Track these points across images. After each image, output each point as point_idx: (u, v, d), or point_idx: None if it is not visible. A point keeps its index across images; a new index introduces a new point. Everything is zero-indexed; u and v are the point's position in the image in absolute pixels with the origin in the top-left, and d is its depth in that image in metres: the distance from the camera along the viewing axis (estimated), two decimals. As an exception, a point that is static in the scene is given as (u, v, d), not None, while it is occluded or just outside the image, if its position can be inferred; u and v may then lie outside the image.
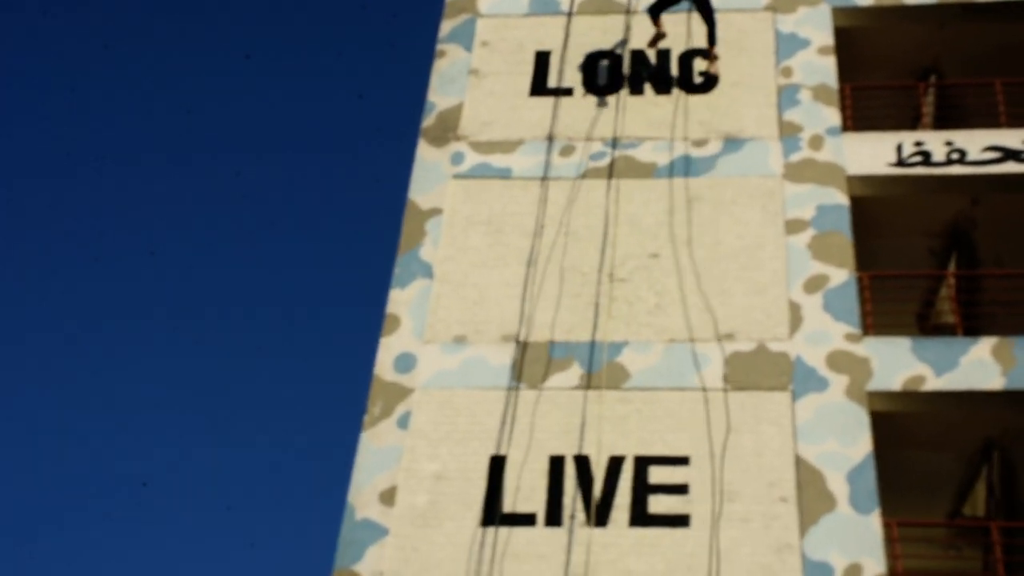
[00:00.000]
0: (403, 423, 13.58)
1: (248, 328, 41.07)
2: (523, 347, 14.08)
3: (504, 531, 12.70)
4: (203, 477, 38.06)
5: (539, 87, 16.65)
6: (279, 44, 44.82)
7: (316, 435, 38.90)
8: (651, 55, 16.74)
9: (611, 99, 16.35)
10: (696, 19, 16.78)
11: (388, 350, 14.17)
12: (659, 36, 16.19)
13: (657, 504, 12.77)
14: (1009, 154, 15.32)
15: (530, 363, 13.93)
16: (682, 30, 16.91)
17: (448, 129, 16.23)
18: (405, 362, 14.06)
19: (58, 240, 40.51)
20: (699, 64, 16.60)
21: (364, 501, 13.02)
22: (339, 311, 41.87)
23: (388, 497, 13.03)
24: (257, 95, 44.15)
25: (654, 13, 16.10)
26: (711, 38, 16.12)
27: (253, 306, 41.31)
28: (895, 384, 13.50)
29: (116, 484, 37.03)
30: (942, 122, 16.86)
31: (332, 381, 39.63)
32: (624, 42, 16.99)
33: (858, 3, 17.12)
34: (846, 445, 13.04)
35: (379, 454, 13.36)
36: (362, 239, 41.52)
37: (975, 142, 15.46)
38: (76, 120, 42.32)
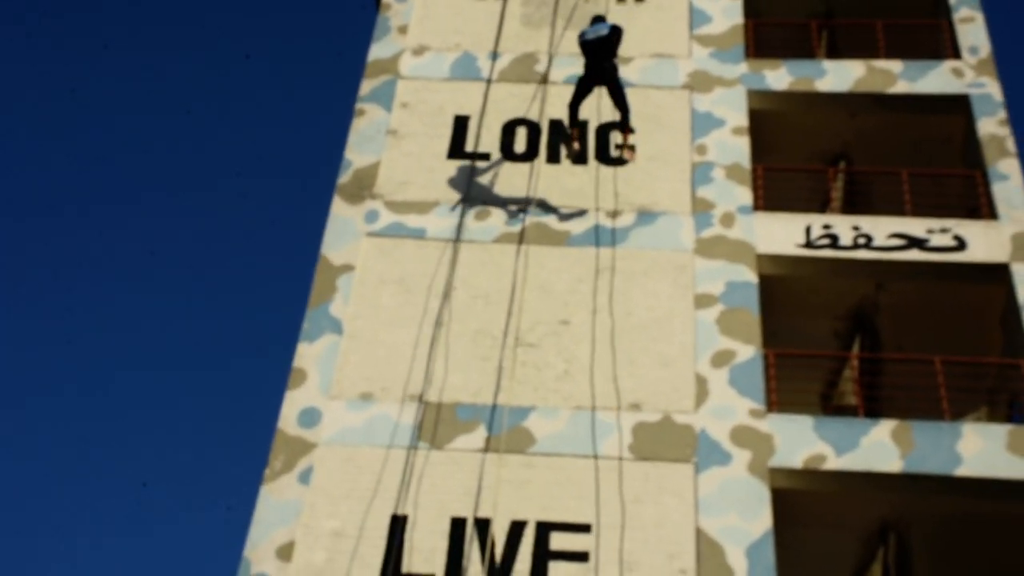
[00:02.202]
0: (304, 478, 13.35)
1: (156, 377, 40.40)
2: (429, 407, 13.97)
3: (402, 592, 12.50)
4: (104, 523, 37.13)
5: (457, 150, 16.72)
6: (203, 89, 44.65)
7: (216, 487, 38.23)
8: (566, 124, 16.86)
9: (527, 166, 16.45)
10: None
11: (293, 404, 13.98)
12: (573, 148, 16.25)
13: (557, 571, 12.67)
14: (913, 242, 15.66)
15: (435, 423, 13.82)
16: (599, 103, 17.08)
17: (364, 187, 16.18)
18: (309, 417, 13.87)
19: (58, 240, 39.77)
20: (616, 137, 16.79)
21: (260, 556, 12.75)
22: (247, 363, 41.38)
23: (285, 553, 12.77)
24: (172, 140, 43.84)
25: (573, 110, 15.80)
26: (623, 124, 15.78)
27: (161, 353, 40.68)
28: (796, 462, 13.60)
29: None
30: (850, 207, 17.26)
31: (235, 434, 39.07)
32: (542, 111, 17.14)
33: (772, 87, 17.48)
34: (747, 520, 13.08)
35: (278, 509, 13.11)
36: (274, 292, 41.22)
37: (881, 228, 15.79)
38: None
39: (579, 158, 16.55)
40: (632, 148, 15.98)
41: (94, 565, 36.89)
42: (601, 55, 15.41)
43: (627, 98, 15.60)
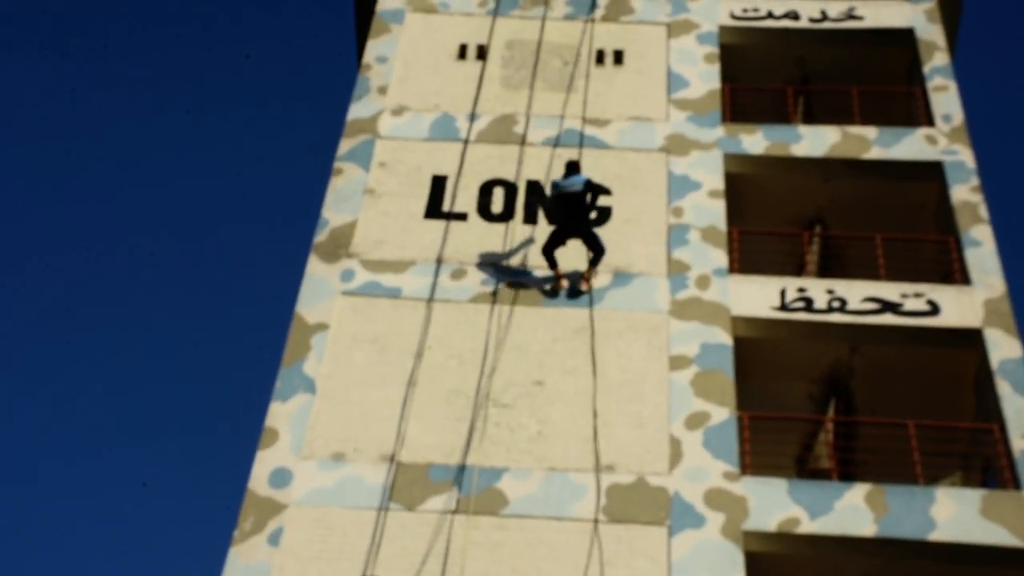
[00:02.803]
0: (274, 540, 13.22)
1: (127, 439, 40.06)
2: (401, 468, 13.88)
3: (371, 655, 12.35)
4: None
5: (434, 210, 16.76)
6: (178, 140, 44.74)
7: (185, 549, 37.82)
8: (547, 187, 16.95)
9: (504, 227, 16.50)
10: (590, 154, 17.18)
11: (264, 464, 13.87)
12: (558, 284, 15.67)
13: (529, 635, 12.55)
14: (887, 306, 15.73)
15: (407, 484, 13.73)
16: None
17: (340, 246, 16.19)
18: (280, 477, 13.76)
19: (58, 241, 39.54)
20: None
21: (227, 619, 12.59)
22: (218, 423, 41.11)
23: (253, 616, 12.62)
24: (147, 192, 43.82)
25: (548, 255, 15.61)
26: (593, 261, 15.63)
27: (132, 414, 40.38)
28: (770, 525, 13.54)
29: None
30: (825, 271, 17.33)
31: (205, 494, 38.71)
32: (520, 172, 17.21)
33: (748, 151, 17.61)
34: (720, 584, 12.99)
35: (247, 571, 12.96)
36: (246, 351, 41.05)
37: (855, 292, 15.86)
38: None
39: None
40: (589, 282, 15.62)
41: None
42: (576, 211, 15.48)
43: (602, 243, 15.64)
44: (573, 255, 15.94)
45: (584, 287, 15.52)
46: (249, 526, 13.34)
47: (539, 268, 15.97)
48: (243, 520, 13.38)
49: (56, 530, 38.12)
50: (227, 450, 39.35)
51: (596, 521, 13.43)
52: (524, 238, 16.36)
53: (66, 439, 39.79)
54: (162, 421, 40.85)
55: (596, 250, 15.57)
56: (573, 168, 15.82)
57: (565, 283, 15.61)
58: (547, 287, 15.62)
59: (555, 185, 15.73)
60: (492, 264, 16.04)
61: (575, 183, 15.54)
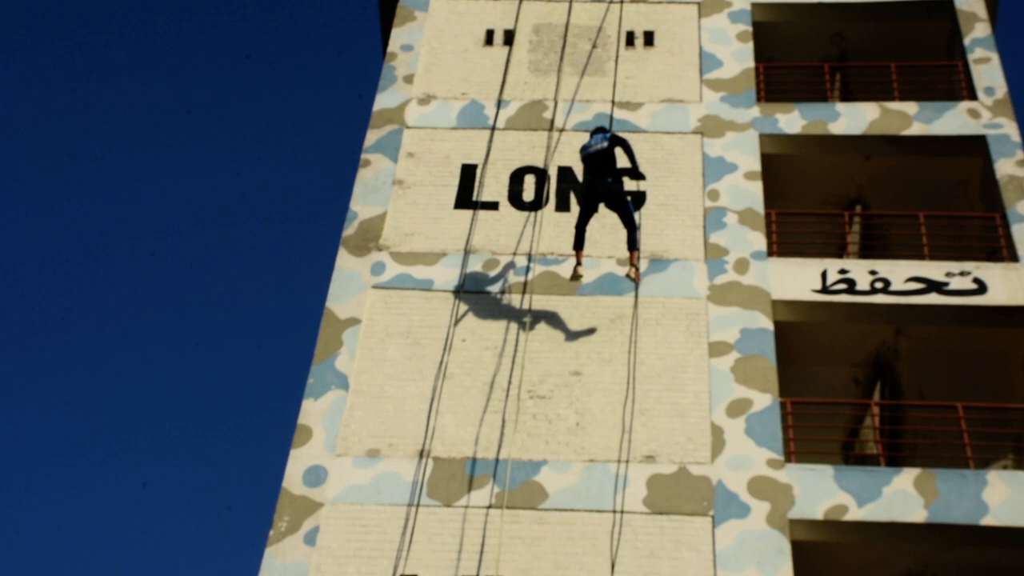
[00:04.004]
0: (310, 539, 13.00)
1: (159, 437, 40.07)
2: (437, 463, 13.63)
3: (411, 655, 12.13)
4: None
5: (464, 200, 16.47)
6: (205, 152, 44.70)
7: (221, 550, 37.78)
8: (578, 174, 16.63)
9: (536, 215, 16.20)
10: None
11: (298, 462, 13.65)
12: (576, 273, 14.62)
13: (571, 630, 12.28)
14: (932, 285, 15.32)
15: (444, 479, 13.48)
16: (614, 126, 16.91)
17: (369, 239, 15.94)
18: (315, 475, 13.54)
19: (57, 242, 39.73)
20: (626, 184, 16.51)
21: (266, 620, 12.39)
22: (250, 422, 41.02)
23: (291, 616, 12.41)
24: (172, 195, 43.81)
25: (579, 231, 14.62)
26: (631, 242, 14.60)
27: (163, 414, 40.37)
28: (817, 513, 13.21)
29: None
30: (866, 251, 16.94)
31: (241, 494, 38.66)
32: (550, 158, 16.90)
33: (785, 131, 17.22)
34: (766, 573, 12.70)
35: (284, 571, 12.76)
36: (277, 348, 40.94)
37: (899, 272, 15.46)
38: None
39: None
40: (638, 269, 14.69)
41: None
42: (604, 171, 14.52)
43: (635, 216, 14.76)
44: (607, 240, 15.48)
45: (633, 275, 14.57)
46: (285, 525, 13.12)
47: (573, 256, 15.62)
48: (278, 520, 13.18)
49: (94, 529, 38.15)
50: (261, 450, 39.32)
51: (637, 513, 13.12)
52: (557, 226, 16.04)
53: (100, 436, 39.81)
54: (193, 421, 40.84)
55: (629, 226, 14.54)
56: (600, 131, 14.93)
57: (582, 271, 14.68)
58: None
59: (583, 148, 14.80)
60: (525, 253, 15.74)
61: (598, 141, 14.61)
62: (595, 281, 15.34)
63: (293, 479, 13.51)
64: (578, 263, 14.61)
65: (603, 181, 14.50)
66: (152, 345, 40.98)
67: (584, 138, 16.99)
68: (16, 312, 39.23)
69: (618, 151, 14.67)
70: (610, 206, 14.67)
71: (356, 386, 14.39)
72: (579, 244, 14.64)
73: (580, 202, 14.77)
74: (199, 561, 37.74)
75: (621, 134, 15.07)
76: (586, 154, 14.73)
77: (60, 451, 39.06)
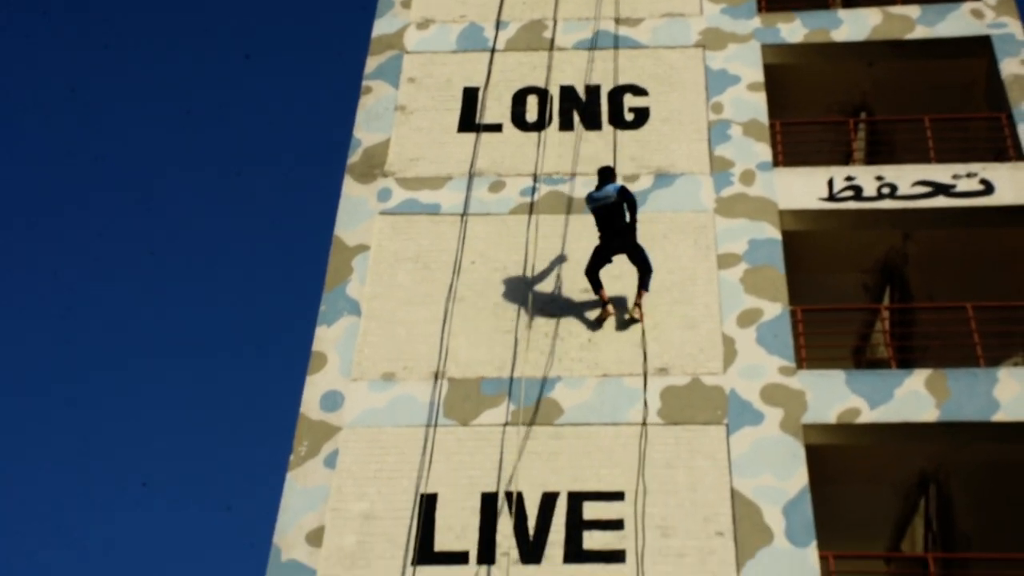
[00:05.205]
0: (330, 462, 13.18)
1: (175, 366, 40.37)
2: (452, 384, 13.76)
3: (435, 570, 12.30)
4: (132, 522, 37.17)
5: (467, 123, 16.47)
6: (206, 79, 44.57)
7: (242, 475, 38.20)
8: (581, 92, 16.61)
9: (540, 135, 16.19)
10: (624, 55, 16.78)
11: (314, 388, 13.79)
12: (605, 312, 14.17)
13: (592, 540, 12.45)
14: (939, 188, 15.32)
15: (460, 400, 13.61)
16: (610, 66, 16.84)
17: (374, 165, 15.97)
18: (332, 400, 13.69)
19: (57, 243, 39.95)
20: (629, 100, 16.51)
21: (290, 542, 12.58)
22: (266, 349, 41.27)
23: (315, 538, 12.60)
24: (179, 131, 43.76)
25: (592, 277, 14.19)
26: (642, 282, 14.14)
27: (180, 344, 40.61)
28: (830, 417, 13.31)
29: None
30: (873, 157, 16.90)
31: (259, 421, 38.98)
32: (552, 78, 16.85)
33: (787, 40, 17.15)
34: (782, 479, 12.81)
35: (305, 494, 12.94)
36: (290, 276, 41.10)
37: (905, 177, 15.44)
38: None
39: (592, 123, 16.27)
40: (640, 307, 14.11)
41: (121, 555, 36.89)
42: (615, 223, 14.04)
43: (650, 260, 14.16)
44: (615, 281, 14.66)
45: (636, 314, 14.07)
46: (304, 450, 13.29)
47: (580, 175, 15.67)
48: (298, 444, 13.34)
49: (113, 467, 38.54)
50: (278, 379, 39.57)
51: (652, 424, 13.25)
52: (561, 145, 16.04)
53: (121, 377, 40.07)
54: (206, 351, 41.09)
55: (644, 268, 14.10)
56: (606, 176, 14.35)
57: (612, 309, 14.15)
58: (593, 317, 14.22)
59: (589, 199, 14.26)
60: (530, 174, 15.76)
61: (608, 193, 14.09)
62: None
63: (310, 405, 13.65)
64: (605, 302, 14.18)
65: (618, 236, 14.07)
66: (166, 279, 41.21)
67: (581, 57, 16.95)
68: (16, 312, 39.51)
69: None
70: (628, 256, 14.23)
71: (368, 312, 14.50)
72: (598, 286, 14.19)
73: (593, 253, 14.25)
74: (220, 489, 38.25)
75: (627, 188, 14.42)
76: (594, 205, 14.19)
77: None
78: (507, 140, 16.23)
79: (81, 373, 39.65)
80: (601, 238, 14.23)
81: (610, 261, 14.24)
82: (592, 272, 14.22)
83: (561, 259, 14.88)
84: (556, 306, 14.45)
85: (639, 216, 14.42)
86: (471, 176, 15.79)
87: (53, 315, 39.80)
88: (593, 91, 16.64)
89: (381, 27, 17.71)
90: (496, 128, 16.38)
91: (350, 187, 15.73)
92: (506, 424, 13.38)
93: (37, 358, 38.87)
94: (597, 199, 14.22)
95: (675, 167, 15.76)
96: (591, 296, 14.43)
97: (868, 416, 13.27)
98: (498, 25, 17.60)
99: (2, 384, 38.11)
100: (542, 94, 16.75)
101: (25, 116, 42.21)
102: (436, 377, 13.83)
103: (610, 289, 14.34)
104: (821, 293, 15.50)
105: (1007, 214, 15.12)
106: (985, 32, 16.96)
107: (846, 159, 16.86)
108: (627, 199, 14.13)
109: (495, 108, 16.62)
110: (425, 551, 12.46)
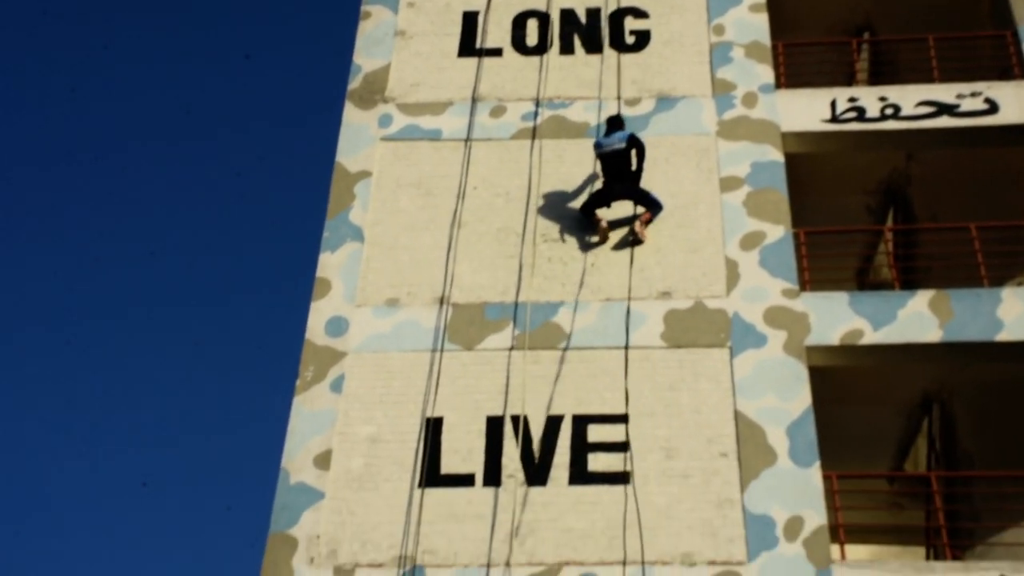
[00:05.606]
0: (336, 387, 13.23)
1: (180, 296, 40.53)
2: (456, 309, 13.78)
3: (442, 492, 12.41)
4: (140, 444, 37.47)
5: (467, 48, 16.34)
6: (210, 15, 44.23)
7: (249, 401, 38.46)
8: (581, 15, 16.47)
9: (541, 59, 16.08)
10: None
11: (319, 314, 13.82)
12: (603, 232, 14.18)
13: (596, 462, 12.53)
14: (943, 108, 15.24)
15: (464, 325, 13.64)
16: (616, -11, 16.73)
17: (375, 91, 15.87)
18: (337, 326, 13.71)
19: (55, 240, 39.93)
20: (630, 22, 16.37)
21: (298, 465, 12.67)
22: (270, 276, 41.39)
23: (323, 461, 12.69)
24: (185, 64, 43.51)
25: (587, 213, 14.25)
26: (649, 205, 14.20)
27: (185, 274, 40.73)
28: (833, 338, 13.35)
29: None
30: (876, 78, 16.82)
31: (265, 347, 39.15)
32: (552, 1, 16.70)
33: (789, -40, 16.97)
34: (785, 400, 12.87)
35: (313, 418, 13.01)
36: (292, 203, 41.11)
37: (909, 97, 15.36)
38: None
39: (593, 47, 16.15)
40: (644, 226, 14.12)
41: (131, 483, 37.22)
42: (621, 170, 14.08)
43: (659, 200, 14.20)
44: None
45: (640, 232, 14.05)
46: (311, 375, 13.34)
47: (581, 99, 15.58)
48: (304, 369, 13.39)
49: (128, 400, 38.77)
50: (282, 306, 39.71)
51: (655, 348, 13.29)
52: (561, 69, 15.93)
53: (129, 316, 40.23)
54: (206, 284, 41.22)
55: (652, 206, 14.17)
56: (615, 124, 14.44)
57: (606, 225, 14.15)
58: (591, 239, 14.21)
59: (597, 145, 14.35)
60: (531, 99, 15.66)
61: (617, 140, 14.14)
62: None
63: (315, 330, 13.69)
64: (602, 225, 14.17)
65: (623, 184, 14.09)
66: (171, 212, 41.21)
67: None
68: (15, 310, 39.46)
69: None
70: (634, 201, 14.26)
71: (371, 238, 14.48)
72: (592, 219, 14.23)
73: (594, 194, 14.26)
74: (230, 414, 38.51)
75: (635, 135, 14.39)
76: (600, 152, 14.25)
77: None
78: (508, 64, 16.12)
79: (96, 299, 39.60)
80: (604, 183, 14.24)
81: (608, 206, 14.24)
82: (587, 210, 14.23)
83: (564, 183, 14.83)
84: (559, 231, 14.43)
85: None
86: (473, 101, 15.70)
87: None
88: (593, 14, 16.51)
89: (379, -49, 17.51)
90: (496, 52, 16.26)
91: (351, 113, 15.64)
92: (511, 348, 13.42)
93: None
94: (604, 146, 14.24)
95: (676, 90, 15.67)
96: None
97: (871, 337, 13.30)
98: (497, -53, 17.41)
99: (2, 384, 38.28)
100: (542, 17, 16.61)
101: (25, 116, 41.99)
102: (440, 302, 13.85)
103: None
104: (824, 215, 15.48)
105: (1012, 133, 15.06)
106: (989, -51, 16.80)
107: (849, 80, 16.77)
108: (636, 146, 14.14)
109: (495, 32, 16.49)
110: (432, 473, 12.55)
